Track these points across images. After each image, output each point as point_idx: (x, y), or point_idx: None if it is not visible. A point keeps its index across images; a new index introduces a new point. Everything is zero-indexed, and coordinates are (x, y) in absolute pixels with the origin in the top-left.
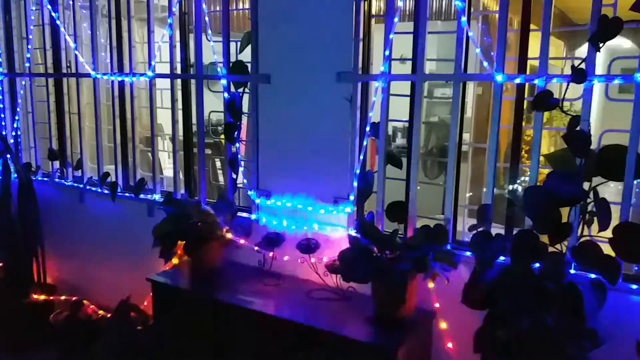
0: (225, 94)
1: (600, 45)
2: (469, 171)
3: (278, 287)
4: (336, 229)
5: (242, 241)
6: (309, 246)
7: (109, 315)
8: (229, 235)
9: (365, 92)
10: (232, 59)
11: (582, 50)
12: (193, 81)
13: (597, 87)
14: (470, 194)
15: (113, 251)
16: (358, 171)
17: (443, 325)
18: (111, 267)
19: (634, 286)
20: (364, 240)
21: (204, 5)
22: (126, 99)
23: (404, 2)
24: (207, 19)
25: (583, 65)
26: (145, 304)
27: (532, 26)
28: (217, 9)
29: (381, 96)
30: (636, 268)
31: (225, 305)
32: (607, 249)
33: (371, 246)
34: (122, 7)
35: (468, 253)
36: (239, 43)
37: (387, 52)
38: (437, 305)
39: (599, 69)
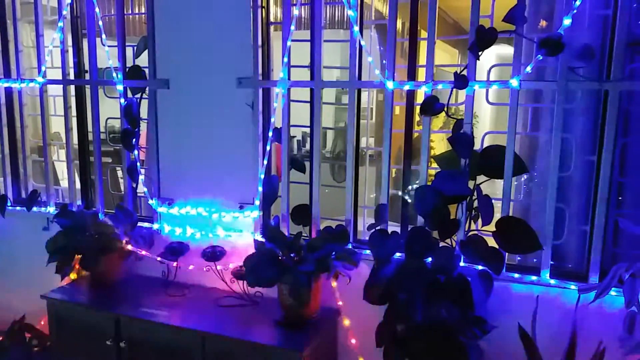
0: (122, 100)
1: (480, 53)
2: (371, 174)
3: (183, 297)
4: (242, 235)
5: (143, 252)
6: (214, 254)
7: (1, 338)
8: (130, 247)
9: (267, 98)
10: (129, 64)
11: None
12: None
13: (492, 92)
14: (375, 195)
15: (4, 269)
16: (262, 176)
17: (347, 322)
18: (2, 287)
19: (517, 275)
20: (269, 244)
21: (96, 9)
22: (15, 106)
23: (302, 11)
24: (100, 22)
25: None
26: (42, 323)
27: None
28: (112, 12)
29: (282, 102)
30: (519, 258)
31: (128, 319)
32: (492, 242)
33: (276, 250)
34: (7, 8)
35: (368, 251)
36: (135, 48)
37: (285, 59)
38: (340, 303)
39: (493, 75)
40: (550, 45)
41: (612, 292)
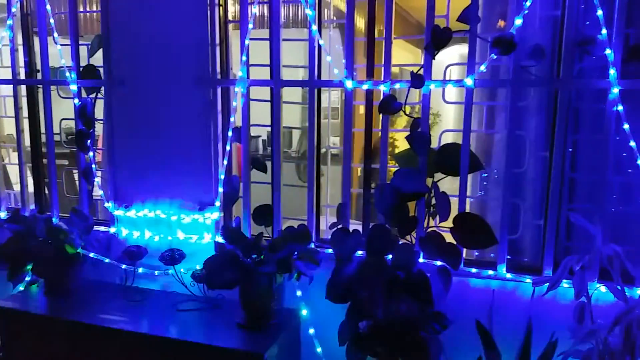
0: (76, 100)
1: (435, 52)
2: (337, 173)
3: (143, 302)
4: (202, 237)
5: (100, 257)
6: (173, 257)
7: None
8: (85, 252)
9: (226, 96)
10: (83, 63)
11: (437, 57)
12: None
13: (455, 91)
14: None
15: None
16: (223, 177)
17: (310, 322)
18: None
19: (474, 270)
20: (229, 246)
21: (48, 6)
22: None
23: (262, 9)
24: (52, 20)
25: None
26: None
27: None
28: (64, 9)
29: (242, 101)
30: (477, 253)
31: (84, 326)
32: (450, 238)
33: (237, 251)
34: None
35: (330, 250)
36: (89, 46)
37: (244, 58)
38: (303, 303)
39: (456, 74)
40: (502, 45)
41: (565, 284)
